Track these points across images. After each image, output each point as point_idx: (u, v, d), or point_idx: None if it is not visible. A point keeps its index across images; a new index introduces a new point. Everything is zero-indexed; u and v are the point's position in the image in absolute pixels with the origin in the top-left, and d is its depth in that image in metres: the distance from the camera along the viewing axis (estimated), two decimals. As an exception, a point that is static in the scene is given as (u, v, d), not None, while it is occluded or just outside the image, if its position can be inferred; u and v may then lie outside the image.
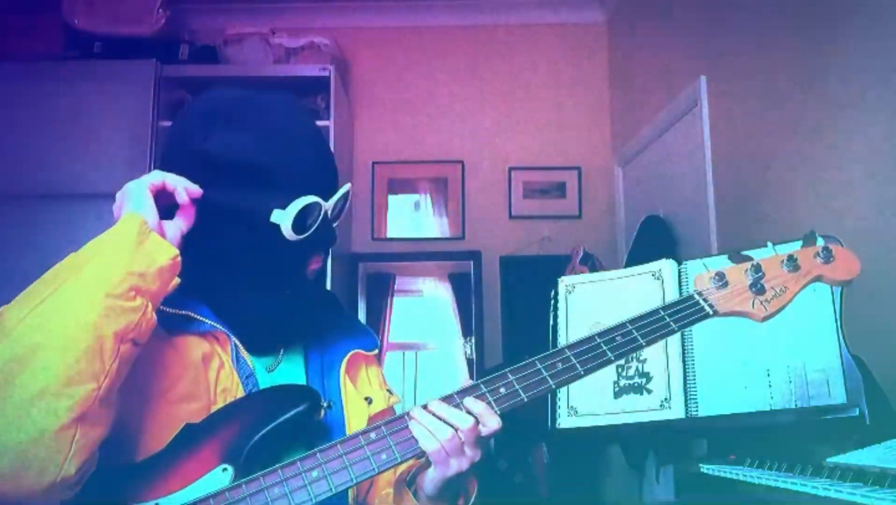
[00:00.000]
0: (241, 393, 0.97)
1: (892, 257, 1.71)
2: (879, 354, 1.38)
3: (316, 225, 0.97)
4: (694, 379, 1.40)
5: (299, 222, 0.95)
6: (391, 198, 3.84)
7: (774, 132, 2.26)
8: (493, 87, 3.88)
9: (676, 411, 1.39)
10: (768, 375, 1.34)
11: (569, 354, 0.97)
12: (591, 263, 3.31)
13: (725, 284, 1.03)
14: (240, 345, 0.99)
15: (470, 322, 3.68)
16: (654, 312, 1.01)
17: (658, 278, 1.51)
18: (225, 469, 0.88)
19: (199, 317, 0.98)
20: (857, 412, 1.23)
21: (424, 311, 3.89)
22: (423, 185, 3.85)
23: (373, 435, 0.91)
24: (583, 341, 0.99)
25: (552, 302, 1.62)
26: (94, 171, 2.99)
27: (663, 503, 1.51)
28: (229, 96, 1.01)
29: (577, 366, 0.96)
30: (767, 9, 2.33)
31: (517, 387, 0.96)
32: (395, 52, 3.90)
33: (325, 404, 0.97)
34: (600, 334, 0.99)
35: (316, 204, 0.96)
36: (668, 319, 1.00)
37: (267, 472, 0.87)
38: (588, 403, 1.48)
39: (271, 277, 0.99)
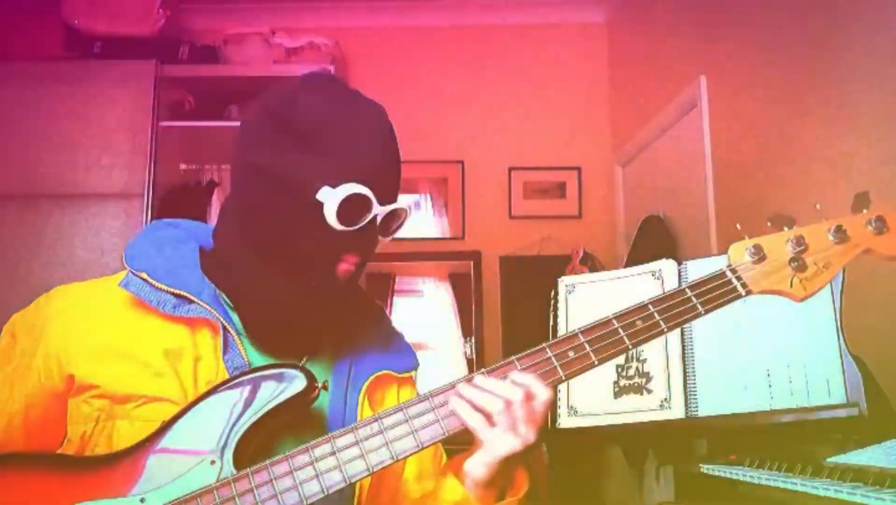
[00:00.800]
0: None
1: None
2: (879, 354, 1.38)
3: (362, 223, 0.91)
4: (694, 379, 1.40)
5: (345, 211, 0.89)
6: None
7: (774, 132, 2.26)
8: (493, 86, 3.88)
9: (676, 411, 1.39)
10: (768, 375, 1.34)
11: (583, 340, 0.89)
12: (591, 263, 3.31)
13: (763, 258, 0.92)
14: (235, 336, 0.94)
15: (470, 322, 3.68)
16: (680, 291, 0.91)
17: (658, 278, 1.51)
18: (213, 461, 0.85)
19: (194, 298, 0.94)
20: (857, 412, 1.22)
21: (424, 311, 3.89)
22: (423, 185, 3.85)
23: (392, 418, 0.87)
24: (598, 325, 0.89)
25: (552, 302, 1.62)
26: (94, 171, 2.99)
27: (663, 503, 1.51)
28: (323, 75, 0.99)
29: (592, 354, 0.88)
30: (768, 9, 2.33)
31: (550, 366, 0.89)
32: (394, 52, 3.90)
33: (318, 385, 0.90)
34: (618, 318, 0.90)
35: (368, 199, 0.90)
36: (695, 301, 0.90)
37: (257, 468, 0.83)
38: (588, 403, 1.48)
39: (299, 260, 0.92)
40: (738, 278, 0.91)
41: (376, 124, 0.95)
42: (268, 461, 0.84)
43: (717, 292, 0.90)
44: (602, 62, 3.89)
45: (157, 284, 0.94)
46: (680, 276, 1.49)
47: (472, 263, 3.73)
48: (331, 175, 0.89)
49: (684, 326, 1.45)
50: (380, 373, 1.01)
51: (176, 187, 3.24)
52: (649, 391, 1.43)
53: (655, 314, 0.89)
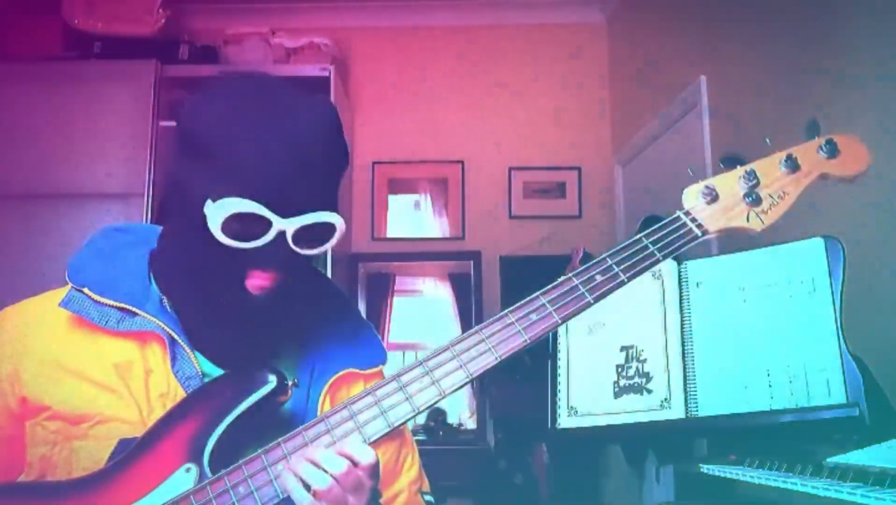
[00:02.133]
0: (182, 395, 0.89)
1: (893, 257, 1.71)
2: (879, 354, 1.38)
3: (264, 241, 0.83)
4: (694, 379, 1.40)
5: (236, 228, 0.83)
6: (391, 198, 3.84)
7: (774, 132, 2.26)
8: (493, 87, 3.88)
9: (676, 411, 1.39)
10: (768, 375, 1.34)
11: (544, 301, 0.88)
12: (591, 263, 3.30)
13: (716, 198, 0.92)
14: (184, 345, 0.90)
15: (470, 322, 3.68)
16: (636, 241, 0.90)
17: (658, 278, 1.51)
18: (188, 469, 0.83)
19: (138, 311, 0.90)
20: (857, 412, 1.22)
21: (424, 311, 3.89)
22: (423, 185, 3.85)
23: (345, 413, 0.85)
24: (559, 285, 0.89)
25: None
26: (94, 171, 2.99)
27: (663, 503, 1.51)
28: (252, 76, 0.91)
29: (554, 314, 0.87)
30: (767, 9, 2.33)
31: (489, 346, 0.87)
32: (395, 52, 3.90)
33: (290, 383, 0.88)
34: (577, 275, 0.89)
35: (258, 217, 0.83)
36: (651, 248, 0.89)
37: (230, 469, 0.82)
38: (588, 403, 1.48)
39: (201, 278, 0.88)
40: (694, 220, 0.91)
41: (283, 130, 0.85)
42: (241, 461, 0.83)
43: (674, 237, 0.90)
44: (602, 62, 3.89)
45: (98, 299, 0.91)
46: (680, 276, 1.49)
47: (472, 262, 3.73)
48: (214, 186, 0.83)
49: (684, 325, 1.45)
50: (343, 372, 0.97)
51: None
52: (649, 391, 1.43)
53: (614, 266, 0.89)
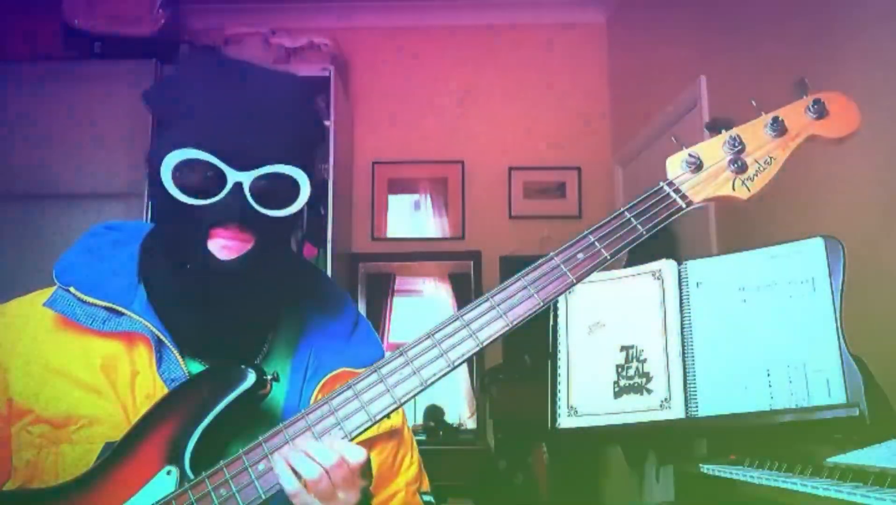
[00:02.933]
0: None
1: (893, 257, 1.71)
2: (879, 354, 1.38)
3: (222, 195, 0.83)
4: (694, 379, 1.40)
5: (190, 182, 0.83)
6: (391, 198, 3.84)
7: (774, 132, 2.26)
8: (493, 87, 3.88)
9: (676, 411, 1.39)
10: (768, 375, 1.34)
11: (526, 283, 0.85)
12: (591, 263, 3.30)
13: (701, 167, 0.88)
14: (170, 345, 0.89)
15: (470, 322, 3.68)
16: (618, 214, 0.88)
17: (658, 278, 1.51)
18: (169, 472, 0.82)
19: (124, 310, 0.89)
20: (857, 412, 1.22)
21: (424, 311, 3.89)
22: (423, 185, 3.85)
23: (325, 408, 0.83)
24: (539, 265, 0.86)
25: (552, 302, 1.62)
26: (94, 171, 2.99)
27: (663, 503, 1.51)
28: (216, 54, 0.97)
29: (536, 296, 0.84)
30: (767, 9, 2.33)
31: (472, 333, 0.84)
32: (394, 52, 3.90)
33: (268, 377, 0.86)
34: (559, 254, 0.86)
35: (210, 167, 0.82)
36: (634, 223, 0.87)
37: (212, 471, 0.81)
38: (588, 403, 1.48)
39: (170, 243, 0.89)
40: (677, 191, 0.88)
41: (238, 90, 0.85)
42: (222, 462, 0.82)
43: (657, 209, 0.87)
44: (602, 62, 3.89)
45: (85, 298, 0.89)
46: (680, 276, 1.49)
47: (472, 263, 3.73)
48: (168, 142, 0.84)
49: (684, 325, 1.45)
50: (337, 371, 0.95)
51: (176, 187, 3.23)
52: (649, 391, 1.43)
53: (596, 243, 0.86)
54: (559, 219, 3.73)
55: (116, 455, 0.83)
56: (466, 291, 3.72)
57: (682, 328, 1.45)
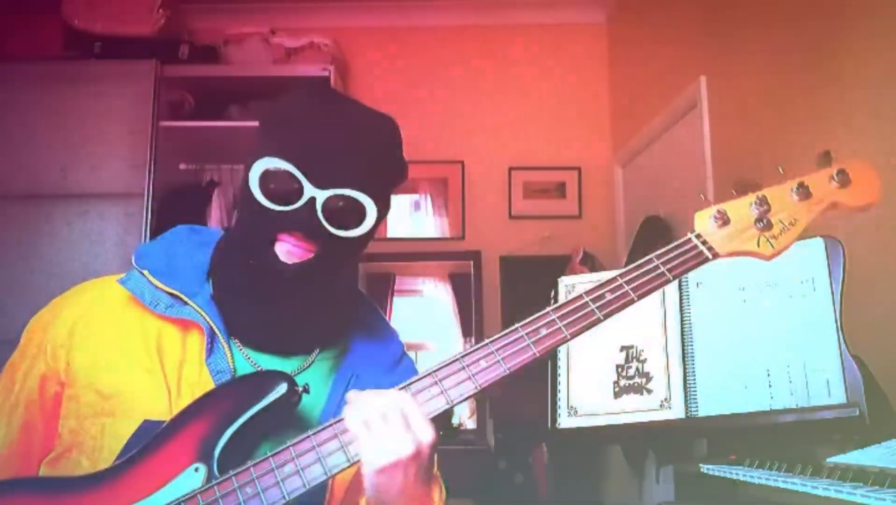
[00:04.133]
0: (211, 387, 0.93)
1: (893, 257, 1.71)
2: (879, 354, 1.38)
3: (296, 206, 0.91)
4: (694, 379, 1.40)
5: (272, 188, 0.91)
6: (391, 198, 3.83)
7: (775, 132, 2.26)
8: (493, 87, 3.88)
9: (676, 411, 1.39)
10: (768, 375, 1.34)
11: (554, 316, 0.90)
12: (591, 263, 3.31)
13: (727, 222, 0.93)
14: (223, 340, 0.95)
15: (470, 322, 3.68)
16: (647, 260, 0.92)
17: (658, 278, 1.51)
18: (197, 469, 0.85)
19: (187, 300, 0.96)
20: (857, 412, 1.22)
21: (424, 311, 3.89)
22: (423, 185, 3.85)
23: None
24: (569, 302, 0.90)
25: (552, 302, 1.62)
26: (94, 171, 2.99)
27: (663, 503, 1.51)
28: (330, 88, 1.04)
29: (563, 329, 0.89)
30: (767, 9, 2.33)
31: (499, 358, 0.88)
32: (394, 52, 3.90)
33: (300, 388, 0.91)
34: (588, 292, 0.91)
35: (291, 178, 0.91)
36: (662, 269, 0.91)
37: (239, 470, 0.84)
38: (588, 403, 1.48)
39: (240, 241, 0.97)
40: (704, 243, 0.93)
41: (338, 119, 0.94)
42: (250, 463, 0.84)
43: (684, 258, 0.92)
44: (602, 62, 3.89)
45: (155, 282, 0.96)
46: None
47: (472, 262, 3.73)
48: (262, 151, 0.93)
49: (684, 325, 1.45)
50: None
51: (176, 187, 3.24)
52: (649, 391, 1.43)
53: (624, 284, 0.91)
54: (559, 219, 3.73)
55: (149, 448, 0.87)
56: (466, 291, 3.72)
57: (682, 328, 1.45)
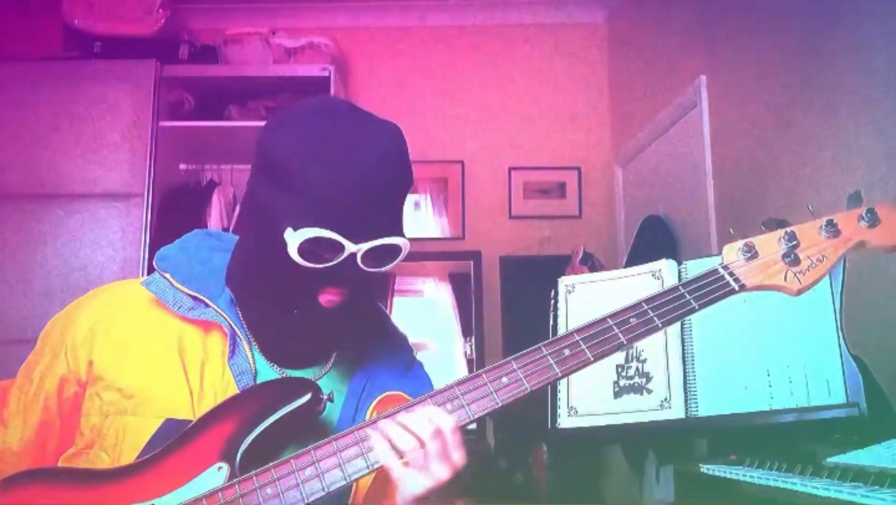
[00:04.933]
0: (233, 389, 0.95)
1: (893, 257, 1.71)
2: (879, 354, 1.38)
3: (336, 261, 0.91)
4: (694, 379, 1.40)
5: (312, 251, 0.90)
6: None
7: (775, 132, 2.26)
8: (492, 87, 3.88)
9: (676, 411, 1.39)
10: (768, 375, 1.34)
11: (578, 338, 0.90)
12: (591, 263, 3.31)
13: (755, 256, 0.94)
14: (244, 342, 0.98)
15: (470, 322, 3.68)
16: (674, 288, 0.93)
17: (658, 278, 1.51)
18: (220, 468, 0.87)
19: (209, 302, 0.98)
20: (857, 412, 1.23)
21: (424, 311, 3.89)
22: (423, 185, 3.85)
23: (369, 430, 0.88)
24: (593, 324, 0.91)
25: (552, 302, 1.62)
26: (94, 171, 2.99)
27: (663, 503, 1.51)
28: (327, 102, 0.99)
29: (587, 351, 0.89)
30: (767, 8, 2.33)
31: (521, 376, 0.89)
32: (395, 52, 3.90)
33: (325, 397, 0.94)
34: (612, 316, 0.91)
35: (332, 241, 0.90)
36: (688, 297, 0.92)
37: (260, 470, 0.86)
38: (588, 403, 1.48)
39: (276, 291, 0.96)
40: (731, 274, 0.93)
41: (356, 161, 0.91)
42: (272, 464, 0.87)
43: (711, 288, 0.93)
44: (602, 62, 3.89)
45: (177, 285, 0.99)
46: (680, 276, 1.49)
47: (472, 262, 3.72)
48: (294, 215, 0.90)
49: (684, 325, 1.45)
50: (392, 393, 1.02)
51: (176, 187, 3.24)
52: (649, 391, 1.43)
53: (649, 311, 0.91)
54: (559, 219, 3.73)
55: (175, 445, 0.89)
56: (466, 291, 3.72)
57: (682, 328, 1.45)
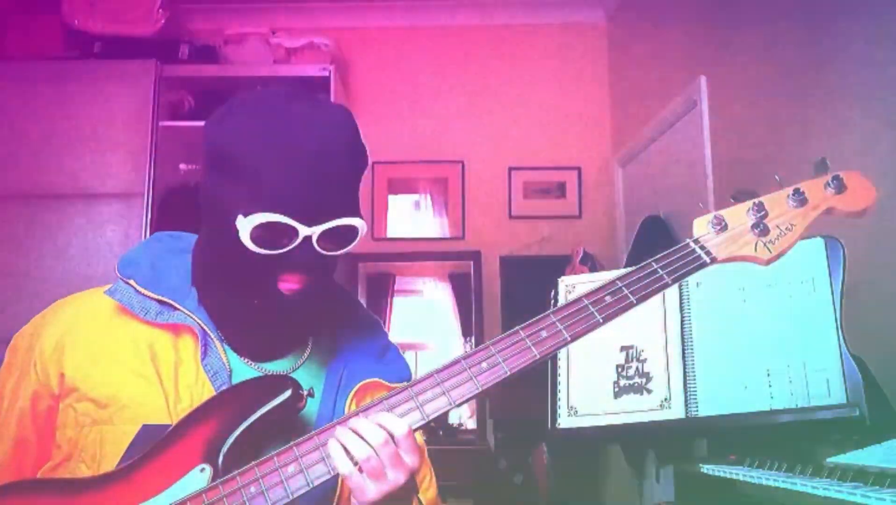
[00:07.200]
0: (209, 390, 0.94)
1: (893, 257, 1.71)
2: (879, 354, 1.38)
3: (292, 246, 0.90)
4: (694, 379, 1.40)
5: (265, 237, 0.89)
6: (391, 198, 3.84)
7: (774, 132, 2.26)
8: (493, 87, 3.88)
9: (676, 411, 1.39)
10: (768, 375, 1.34)
11: (554, 319, 0.90)
12: (591, 263, 3.31)
13: (725, 228, 0.95)
14: (216, 341, 0.97)
15: (470, 322, 3.68)
16: (646, 265, 0.94)
17: (658, 278, 1.51)
18: (203, 469, 0.87)
19: (177, 305, 0.97)
20: (857, 412, 1.22)
21: (424, 311, 3.89)
22: (423, 185, 3.85)
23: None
24: (569, 305, 0.91)
25: (552, 302, 1.62)
26: (94, 171, 2.99)
27: (663, 503, 1.51)
28: (271, 91, 0.96)
29: (564, 332, 0.89)
30: (767, 9, 2.33)
31: (500, 361, 0.88)
32: (394, 52, 3.90)
33: (305, 393, 0.93)
34: (587, 295, 0.91)
35: (285, 225, 0.89)
36: (661, 273, 0.93)
37: (243, 470, 0.85)
38: (588, 403, 1.48)
39: (235, 282, 0.96)
40: (702, 247, 0.95)
41: (304, 144, 0.90)
42: (254, 462, 0.86)
43: (683, 262, 0.94)
44: (602, 62, 3.89)
45: (142, 291, 0.97)
46: (680, 276, 1.49)
47: (472, 262, 3.73)
48: (244, 202, 0.89)
49: (684, 325, 1.45)
50: (369, 380, 1.02)
51: (176, 187, 3.24)
52: (649, 391, 1.43)
53: (623, 288, 0.92)
54: (559, 219, 3.73)
55: (156, 449, 0.88)
56: (466, 291, 3.72)
57: (682, 328, 1.45)
